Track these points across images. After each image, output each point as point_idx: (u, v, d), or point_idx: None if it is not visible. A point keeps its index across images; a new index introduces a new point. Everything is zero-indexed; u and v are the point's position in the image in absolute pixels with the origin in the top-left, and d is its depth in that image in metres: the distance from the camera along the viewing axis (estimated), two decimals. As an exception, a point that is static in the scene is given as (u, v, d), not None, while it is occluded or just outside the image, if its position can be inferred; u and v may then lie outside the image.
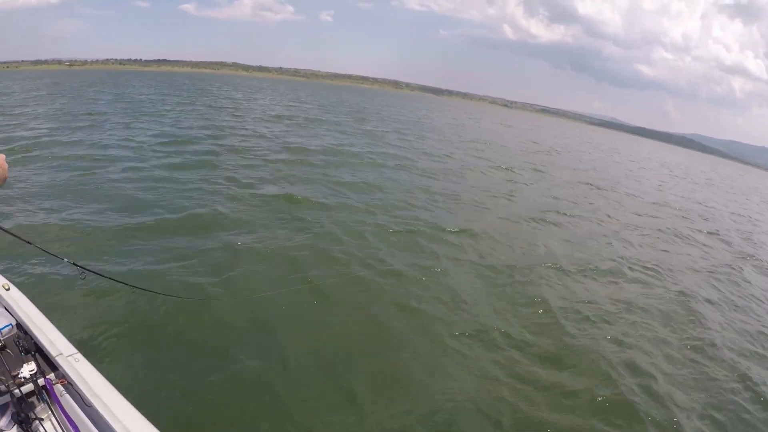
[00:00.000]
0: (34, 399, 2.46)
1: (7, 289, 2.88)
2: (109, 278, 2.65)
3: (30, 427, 2.31)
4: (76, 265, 2.40)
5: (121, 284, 2.87)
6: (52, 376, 2.50)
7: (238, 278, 6.16)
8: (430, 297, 6.37)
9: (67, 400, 2.47)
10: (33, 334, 2.59)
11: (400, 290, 6.48)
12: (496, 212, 11.73)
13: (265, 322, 5.33)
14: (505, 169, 18.94)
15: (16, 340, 2.62)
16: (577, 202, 14.77)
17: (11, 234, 1.76)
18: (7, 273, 3.99)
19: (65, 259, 2.39)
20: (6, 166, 1.33)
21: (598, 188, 18.44)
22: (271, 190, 10.70)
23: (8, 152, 11.08)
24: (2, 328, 2.64)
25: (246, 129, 20.12)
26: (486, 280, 7.27)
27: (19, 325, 2.71)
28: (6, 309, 2.83)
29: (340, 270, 6.80)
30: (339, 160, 15.34)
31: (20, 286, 2.95)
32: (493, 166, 19.25)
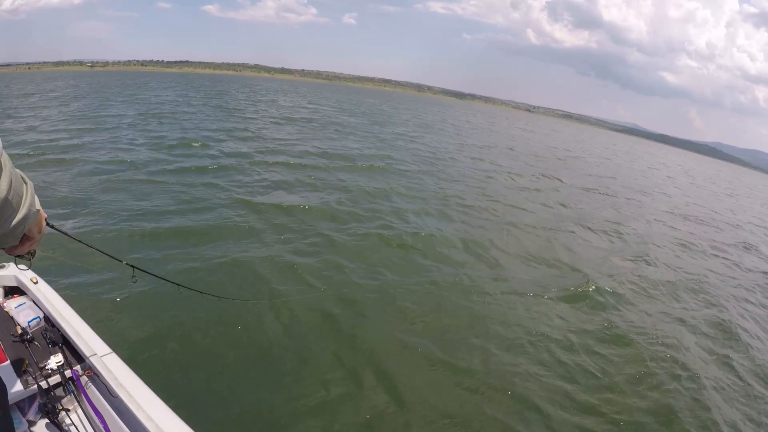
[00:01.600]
0: (61, 390, 2.52)
1: (35, 283, 2.94)
2: (161, 278, 2.64)
3: (57, 418, 2.36)
4: (132, 266, 2.41)
5: (169, 284, 2.87)
6: (78, 367, 2.56)
7: (283, 281, 6.20)
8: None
9: (93, 391, 2.53)
10: (60, 326, 2.65)
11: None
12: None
13: (332, 324, 5.41)
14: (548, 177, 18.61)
15: (43, 332, 2.69)
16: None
17: (67, 235, 1.75)
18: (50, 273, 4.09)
19: (123, 261, 2.41)
20: (44, 225, 1.33)
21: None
22: (308, 198, 10.63)
23: (25, 156, 11.45)
24: (30, 321, 2.71)
25: (264, 133, 20.07)
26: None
27: (47, 318, 2.78)
28: (34, 302, 2.90)
29: (376, 280, 6.74)
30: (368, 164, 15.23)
31: (49, 281, 3.02)
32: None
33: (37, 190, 1.14)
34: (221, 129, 19.84)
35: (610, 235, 11.54)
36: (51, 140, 14.23)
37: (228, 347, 4.70)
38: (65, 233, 1.57)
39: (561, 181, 18.36)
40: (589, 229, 11.66)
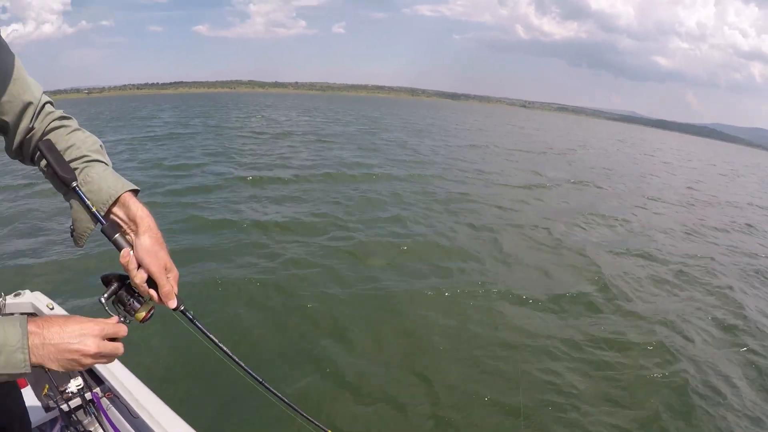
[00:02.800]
0: (81, 413, 2.55)
1: (51, 309, 2.97)
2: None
3: None
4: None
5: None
6: (98, 390, 2.58)
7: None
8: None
9: (114, 413, 2.55)
10: None
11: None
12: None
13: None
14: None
15: (62, 357, 2.71)
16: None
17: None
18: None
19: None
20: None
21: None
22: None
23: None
24: (48, 346, 2.73)
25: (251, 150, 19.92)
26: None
27: None
28: None
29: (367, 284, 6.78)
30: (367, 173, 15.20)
31: (65, 306, 3.05)
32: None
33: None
34: (212, 149, 19.58)
35: (612, 226, 11.54)
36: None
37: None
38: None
39: (540, 174, 18.03)
40: (591, 220, 11.67)
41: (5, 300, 3.07)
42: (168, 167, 14.97)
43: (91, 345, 1.03)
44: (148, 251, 1.18)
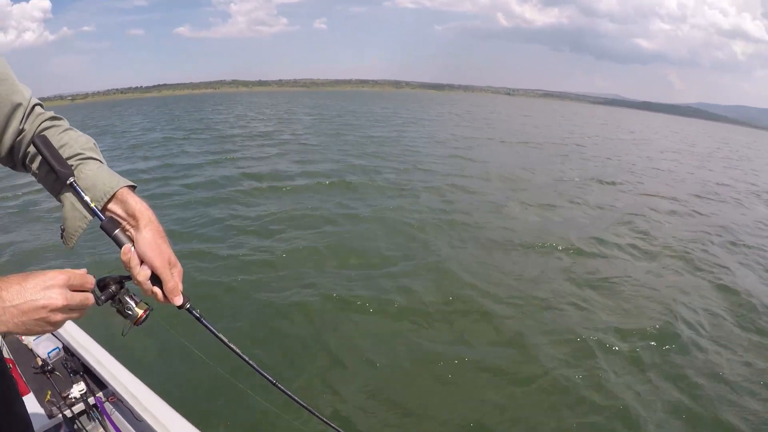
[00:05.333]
0: (85, 418, 2.55)
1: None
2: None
3: None
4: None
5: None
6: (101, 394, 2.58)
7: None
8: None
9: (118, 417, 2.56)
10: (80, 355, 2.67)
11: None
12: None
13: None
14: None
15: (64, 362, 2.71)
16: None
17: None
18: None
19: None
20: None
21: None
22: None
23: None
24: (50, 352, 2.73)
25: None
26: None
27: (66, 348, 2.80)
28: (52, 333, 2.91)
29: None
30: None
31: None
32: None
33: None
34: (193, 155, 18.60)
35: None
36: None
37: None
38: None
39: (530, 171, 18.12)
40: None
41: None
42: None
43: (58, 296, 0.94)
44: (150, 245, 1.14)
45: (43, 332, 0.98)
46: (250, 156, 17.24)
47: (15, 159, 1.27)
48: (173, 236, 7.57)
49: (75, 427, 2.47)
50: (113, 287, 1.14)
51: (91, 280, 1.05)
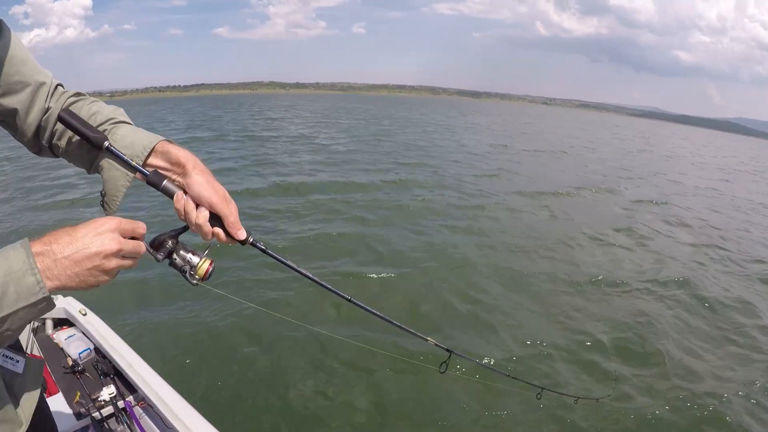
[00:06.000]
0: (114, 421, 2.49)
1: (84, 314, 2.94)
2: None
3: None
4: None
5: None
6: (131, 398, 2.53)
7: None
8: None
9: (147, 422, 2.49)
10: (111, 357, 2.62)
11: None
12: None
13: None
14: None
15: (94, 363, 2.68)
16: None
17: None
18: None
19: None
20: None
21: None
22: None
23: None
24: (81, 353, 2.70)
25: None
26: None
27: (97, 349, 2.77)
28: (84, 333, 2.89)
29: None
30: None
31: (97, 311, 3.01)
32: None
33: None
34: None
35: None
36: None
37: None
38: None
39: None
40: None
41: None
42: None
43: (111, 241, 0.89)
44: (203, 185, 1.10)
45: (97, 283, 0.90)
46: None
47: (41, 140, 1.22)
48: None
49: (103, 429, 2.41)
50: (169, 243, 1.09)
51: (142, 227, 0.99)
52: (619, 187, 15.53)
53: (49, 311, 0.86)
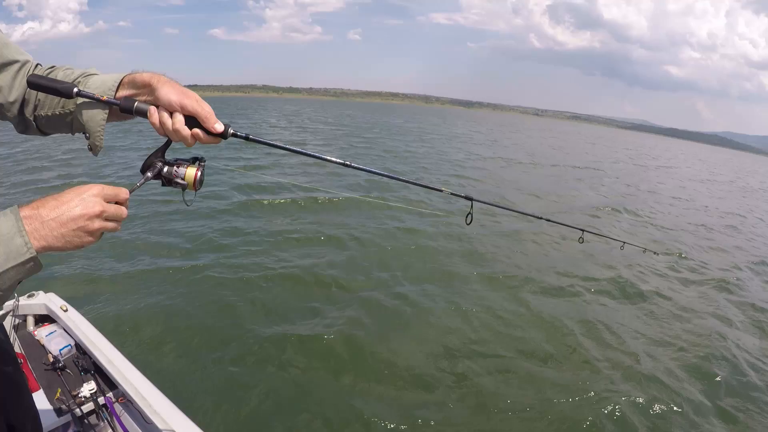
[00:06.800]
0: (94, 417, 2.50)
1: (65, 311, 2.94)
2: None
3: None
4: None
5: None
6: (111, 394, 2.55)
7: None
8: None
9: (126, 418, 2.51)
10: (92, 353, 2.64)
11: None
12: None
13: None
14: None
15: (75, 360, 2.69)
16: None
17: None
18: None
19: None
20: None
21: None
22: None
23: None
24: (62, 349, 2.71)
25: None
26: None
27: (78, 346, 2.78)
28: (65, 330, 2.90)
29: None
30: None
31: (78, 308, 3.02)
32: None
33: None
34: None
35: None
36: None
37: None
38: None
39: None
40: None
41: (18, 301, 3.06)
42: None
43: (94, 204, 0.96)
44: (172, 92, 1.14)
45: (82, 244, 0.97)
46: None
47: (26, 115, 1.28)
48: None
49: (84, 425, 2.43)
50: (158, 164, 1.15)
51: (125, 192, 1.05)
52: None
53: (37, 272, 0.93)
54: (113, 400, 2.54)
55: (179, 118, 1.13)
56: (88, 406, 2.47)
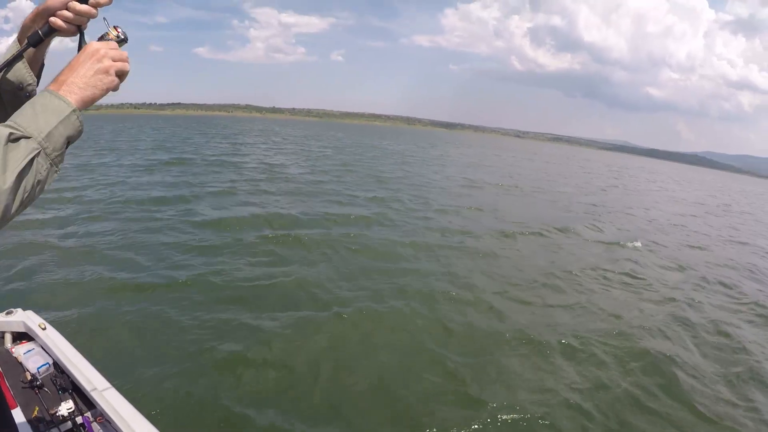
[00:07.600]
0: None
1: (44, 329, 2.92)
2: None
3: None
4: None
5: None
6: (89, 414, 2.52)
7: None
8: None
9: None
10: (70, 372, 2.62)
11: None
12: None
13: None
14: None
15: (53, 378, 2.66)
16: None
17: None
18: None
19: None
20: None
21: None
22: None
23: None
24: (39, 367, 2.68)
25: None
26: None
27: (56, 364, 2.75)
28: (43, 348, 2.87)
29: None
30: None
31: (57, 326, 3.00)
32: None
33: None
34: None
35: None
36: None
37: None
38: None
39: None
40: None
41: (-3, 318, 3.02)
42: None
43: (95, 50, 1.13)
44: None
45: (110, 83, 1.14)
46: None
47: None
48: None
49: None
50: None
51: (123, 55, 1.19)
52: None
53: (80, 129, 1.10)
54: (91, 419, 2.51)
55: (74, 3, 1.20)
56: (66, 426, 2.44)
